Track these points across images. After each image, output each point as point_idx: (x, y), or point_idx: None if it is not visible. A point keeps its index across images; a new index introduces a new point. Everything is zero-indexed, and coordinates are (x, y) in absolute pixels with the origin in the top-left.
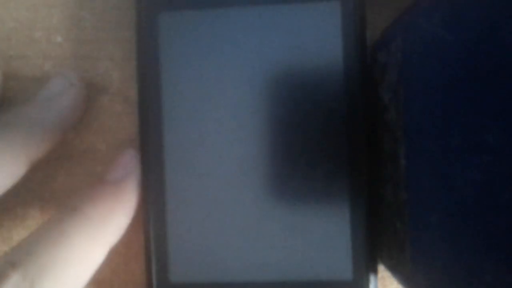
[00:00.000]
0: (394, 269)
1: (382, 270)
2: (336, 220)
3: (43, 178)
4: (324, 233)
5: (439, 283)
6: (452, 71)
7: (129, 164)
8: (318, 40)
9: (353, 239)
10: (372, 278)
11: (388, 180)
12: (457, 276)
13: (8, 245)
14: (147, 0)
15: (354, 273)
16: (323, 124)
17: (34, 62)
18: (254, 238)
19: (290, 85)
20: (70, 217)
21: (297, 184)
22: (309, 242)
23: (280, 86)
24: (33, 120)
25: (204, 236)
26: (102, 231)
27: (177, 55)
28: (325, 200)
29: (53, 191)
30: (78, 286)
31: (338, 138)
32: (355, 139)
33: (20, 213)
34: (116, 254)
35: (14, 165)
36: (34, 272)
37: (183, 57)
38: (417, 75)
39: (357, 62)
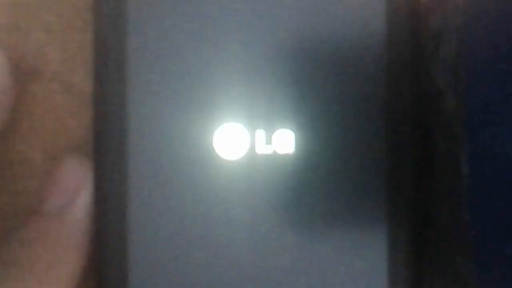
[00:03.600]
0: None
1: None
2: (366, 251)
3: None
4: (349, 267)
5: None
6: None
7: (75, 182)
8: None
9: (391, 279)
10: None
11: (444, 196)
12: None
13: None
14: None
15: None
16: (352, 116)
17: None
18: (259, 270)
19: (309, 60)
20: None
21: (314, 200)
22: (330, 278)
23: (297, 60)
24: None
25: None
26: None
27: (152, 26)
28: (350, 221)
29: None
30: None
31: (373, 136)
32: (397, 137)
33: None
34: None
35: None
36: None
37: (161, 30)
38: (486, 47)
39: (402, 29)
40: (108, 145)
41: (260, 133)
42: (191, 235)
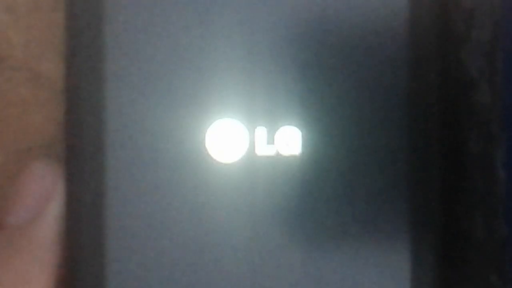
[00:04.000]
0: None
1: None
2: (385, 268)
3: None
4: (364, 286)
5: None
6: None
7: (43, 190)
8: None
9: None
10: None
11: (476, 205)
12: None
13: None
14: None
15: None
16: (369, 111)
17: None
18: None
19: (319, 44)
20: None
21: (325, 209)
22: None
23: (304, 45)
24: None
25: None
26: None
27: (134, 6)
28: (367, 235)
29: None
30: None
31: (393, 134)
32: (421, 135)
33: None
34: None
35: None
36: None
37: (144, 10)
38: None
39: (427, 9)
40: (83, 145)
41: (261, 131)
42: (180, 252)
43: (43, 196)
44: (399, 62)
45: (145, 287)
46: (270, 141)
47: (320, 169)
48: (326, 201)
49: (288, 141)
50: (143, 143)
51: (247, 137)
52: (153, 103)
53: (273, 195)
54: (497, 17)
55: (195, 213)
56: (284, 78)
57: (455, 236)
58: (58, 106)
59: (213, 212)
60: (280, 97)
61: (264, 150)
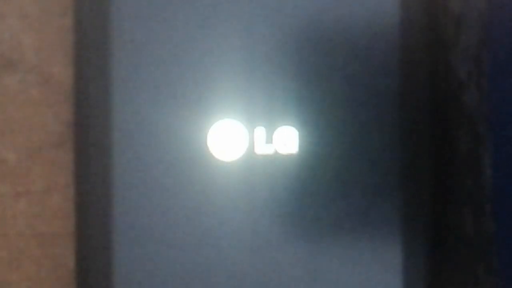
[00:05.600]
0: None
1: None
2: (379, 262)
3: None
4: (359, 279)
5: None
6: None
7: None
8: None
9: None
10: None
11: (465, 202)
12: None
13: None
14: None
15: None
16: (363, 112)
17: None
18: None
19: (315, 48)
20: None
21: (321, 206)
22: None
23: (301, 49)
24: None
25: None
26: None
27: (139, 12)
28: (361, 230)
29: None
30: None
31: (386, 134)
32: (412, 134)
33: None
34: None
35: None
36: None
37: (149, 16)
38: None
39: (417, 13)
40: (91, 144)
41: (260, 131)
42: (181, 247)
43: None
44: (391, 64)
45: (149, 282)
46: (269, 140)
47: (316, 167)
48: (322, 197)
49: (286, 140)
50: (148, 142)
51: (246, 137)
52: (158, 104)
53: (272, 191)
54: (484, 22)
55: (197, 210)
56: (282, 81)
57: (445, 231)
58: (68, 107)
59: (214, 209)
60: (278, 99)
61: (263, 149)
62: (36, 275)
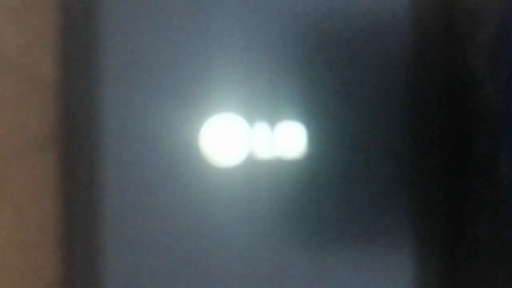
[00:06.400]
0: None
1: None
2: (389, 272)
3: None
4: None
5: None
6: None
7: None
8: None
9: None
10: None
11: (481, 205)
12: None
13: None
14: None
15: None
16: (372, 111)
17: None
18: None
19: (322, 40)
20: None
21: (328, 212)
22: None
23: (307, 40)
24: None
25: None
26: None
27: (128, 3)
28: (371, 238)
29: None
30: None
31: (397, 134)
32: (425, 134)
33: None
34: None
35: None
36: None
37: (138, 6)
38: None
39: (431, 8)
40: (78, 145)
41: (261, 130)
42: (173, 258)
43: None
44: (403, 61)
45: None
46: (271, 140)
47: (322, 170)
48: (328, 203)
49: (289, 140)
50: (139, 141)
51: (246, 137)
52: (148, 103)
53: (273, 197)
54: (501, 17)
55: (191, 218)
56: (286, 77)
57: (459, 237)
58: (53, 108)
59: (209, 220)
60: (281, 96)
61: (264, 150)
62: (17, 286)
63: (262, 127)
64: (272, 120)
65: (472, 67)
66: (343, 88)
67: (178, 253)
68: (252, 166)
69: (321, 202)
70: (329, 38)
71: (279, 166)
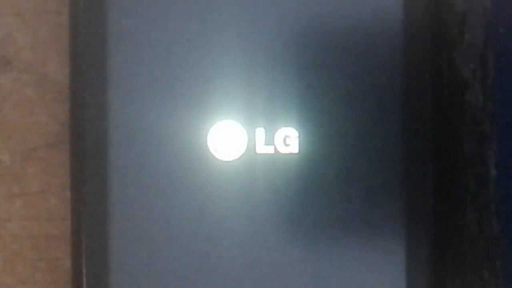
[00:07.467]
0: None
1: None
2: (381, 264)
3: None
4: (361, 282)
5: None
6: None
7: None
8: None
9: None
10: None
11: (470, 204)
12: None
13: None
14: None
15: None
16: (364, 112)
17: None
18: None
19: (316, 47)
20: None
21: (322, 207)
22: None
23: (302, 48)
24: None
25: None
26: None
27: (137, 9)
28: (363, 232)
29: None
30: None
31: (388, 134)
32: (415, 135)
33: None
34: None
35: None
36: None
37: (147, 14)
38: None
39: (421, 11)
40: (87, 145)
41: (260, 131)
42: (180, 248)
43: None
44: (394, 63)
45: (147, 283)
46: (270, 140)
47: (318, 167)
48: (323, 198)
49: (287, 140)
50: (146, 143)
51: (246, 138)
52: (156, 104)
53: (272, 191)
54: (489, 20)
55: (197, 210)
56: (282, 81)
57: (448, 232)
58: (63, 107)
59: (214, 210)
60: (278, 99)
61: (263, 149)
62: (31, 278)
63: (260, 129)
64: (270, 123)
65: (461, 69)
66: (335, 90)
67: (187, 246)
68: (251, 160)
69: (314, 194)
70: (322, 42)
71: (275, 161)
